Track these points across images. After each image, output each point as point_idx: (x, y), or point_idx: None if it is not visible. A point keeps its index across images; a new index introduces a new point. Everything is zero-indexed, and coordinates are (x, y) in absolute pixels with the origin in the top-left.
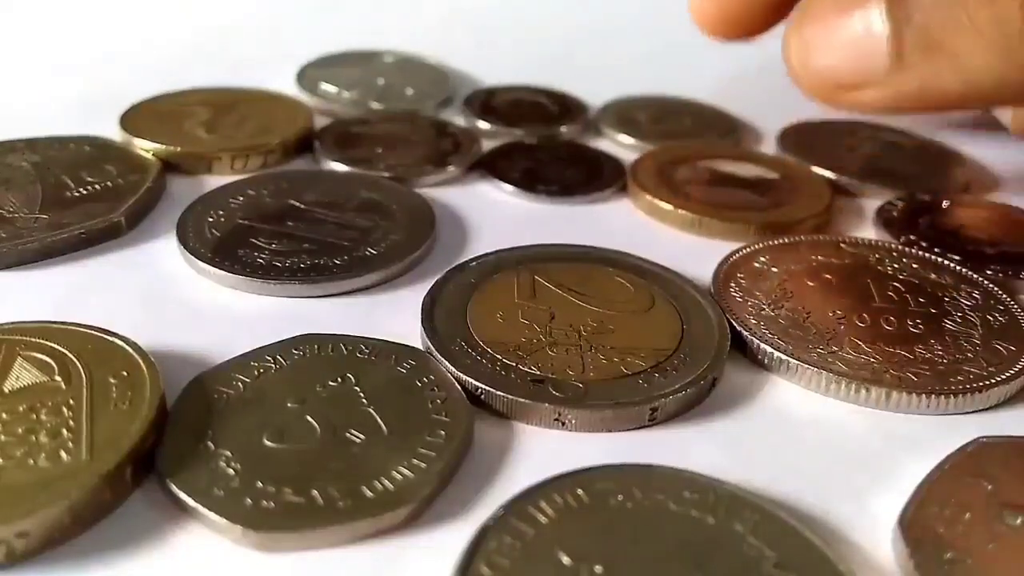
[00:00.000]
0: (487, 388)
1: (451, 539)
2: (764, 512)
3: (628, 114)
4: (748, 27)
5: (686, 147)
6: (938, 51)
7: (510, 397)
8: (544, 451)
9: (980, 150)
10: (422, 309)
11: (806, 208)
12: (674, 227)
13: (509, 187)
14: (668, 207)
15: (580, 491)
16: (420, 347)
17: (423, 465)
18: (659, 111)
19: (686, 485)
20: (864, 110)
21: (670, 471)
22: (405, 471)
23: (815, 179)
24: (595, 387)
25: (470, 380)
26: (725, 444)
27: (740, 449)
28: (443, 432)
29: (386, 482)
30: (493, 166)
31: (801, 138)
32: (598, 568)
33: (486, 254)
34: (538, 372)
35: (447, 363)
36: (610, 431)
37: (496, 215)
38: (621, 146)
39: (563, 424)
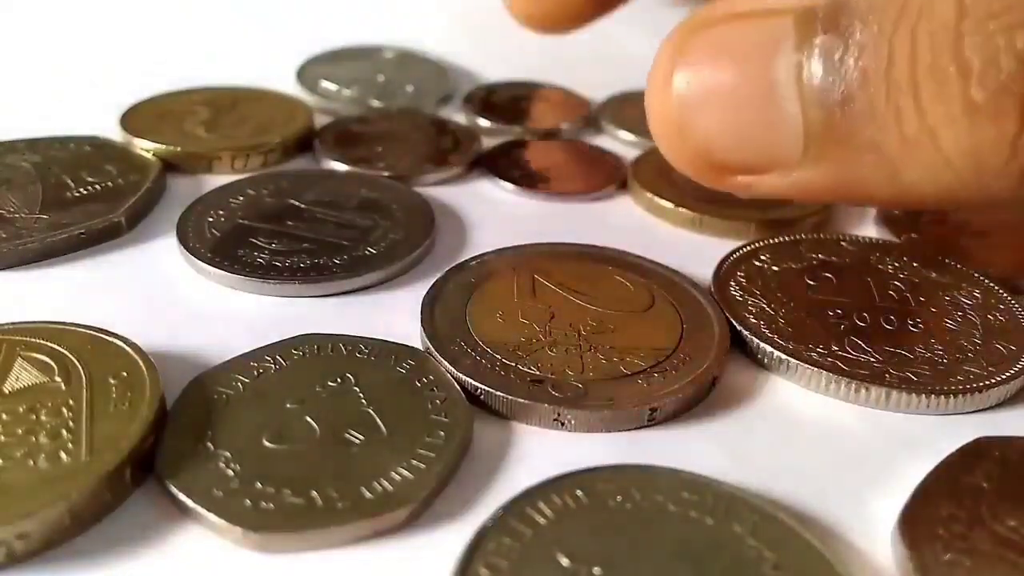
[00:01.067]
0: (486, 388)
1: (450, 540)
2: (763, 513)
3: (628, 110)
4: (565, 23)
5: None
6: (872, 151)
7: (509, 397)
8: (543, 451)
9: None
10: (422, 309)
11: (806, 206)
12: (675, 225)
13: (509, 185)
14: (668, 205)
15: (579, 492)
16: (420, 347)
17: (422, 466)
18: None
19: (685, 486)
20: (749, 196)
21: (669, 472)
22: (404, 472)
23: None
24: (594, 387)
25: (469, 380)
26: (725, 444)
27: (739, 449)
28: (442, 433)
29: (385, 483)
30: (494, 164)
31: None
32: (597, 570)
33: (485, 253)
34: (537, 372)
35: (446, 363)
36: (609, 431)
37: (496, 214)
38: (621, 143)
39: (562, 424)
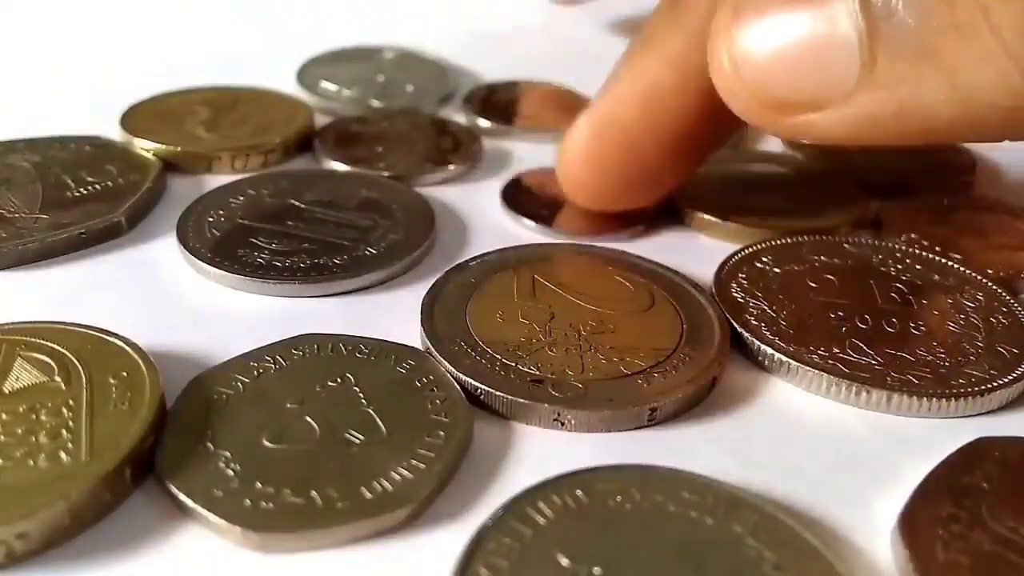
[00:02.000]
0: (486, 388)
1: (450, 540)
2: (763, 513)
3: None
4: (629, 202)
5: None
6: (928, 60)
7: (509, 397)
8: (543, 451)
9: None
10: (422, 309)
11: (836, 215)
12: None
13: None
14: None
15: (579, 492)
16: (420, 347)
17: (422, 466)
18: None
19: (685, 486)
20: (811, 139)
21: (669, 472)
22: (404, 472)
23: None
24: (594, 387)
25: (469, 380)
26: (725, 445)
27: (739, 450)
28: (442, 433)
29: (385, 483)
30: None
31: None
32: (596, 570)
33: (486, 253)
34: (537, 372)
35: (447, 363)
36: (609, 431)
37: (496, 214)
38: None
39: (562, 424)
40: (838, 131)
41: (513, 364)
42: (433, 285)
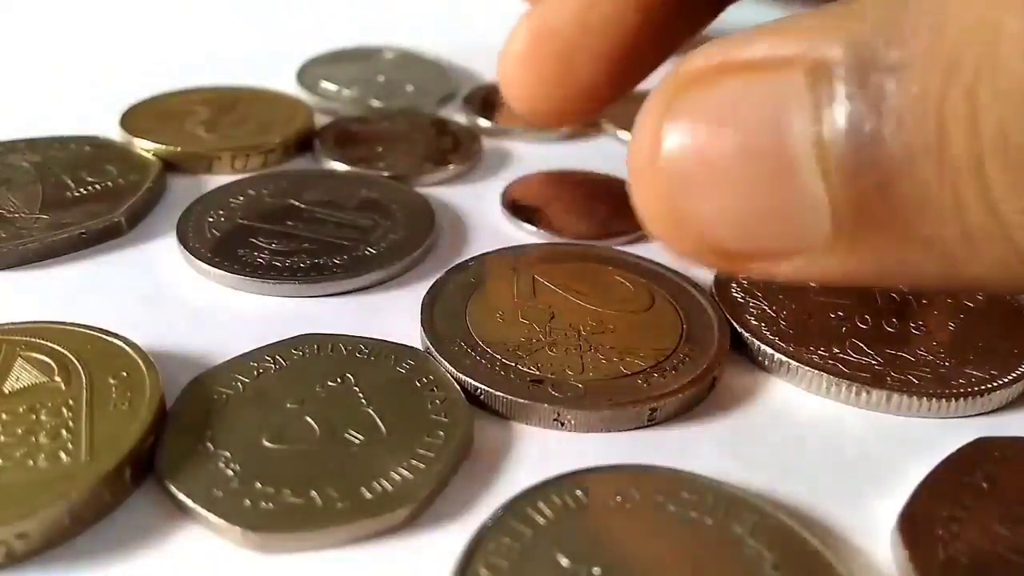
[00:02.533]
0: (486, 388)
1: (450, 540)
2: (763, 513)
3: (631, 111)
4: (577, 116)
5: None
6: (917, 243)
7: (509, 397)
8: (543, 451)
9: None
10: (421, 309)
11: None
12: None
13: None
14: None
15: (579, 492)
16: (420, 347)
17: (422, 466)
18: None
19: (685, 486)
20: (780, 280)
21: (669, 472)
22: (404, 472)
23: None
24: (594, 387)
25: (469, 380)
26: (724, 445)
27: (739, 450)
28: (442, 433)
29: (385, 483)
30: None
31: None
32: (596, 570)
33: (485, 253)
34: (537, 372)
35: (446, 363)
36: (609, 431)
37: (496, 214)
38: (622, 143)
39: (562, 424)
40: (805, 279)
41: (513, 364)
42: (433, 285)
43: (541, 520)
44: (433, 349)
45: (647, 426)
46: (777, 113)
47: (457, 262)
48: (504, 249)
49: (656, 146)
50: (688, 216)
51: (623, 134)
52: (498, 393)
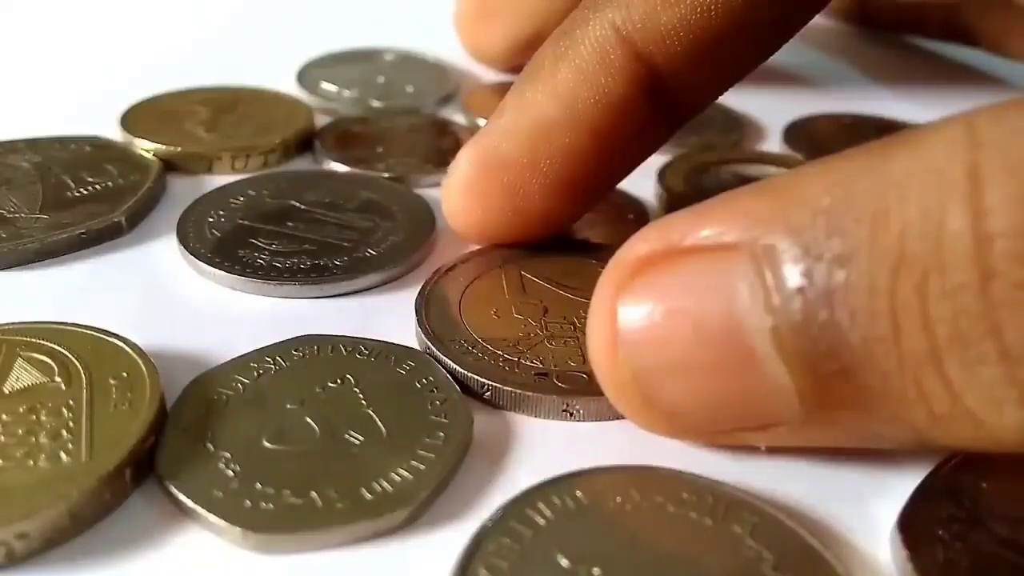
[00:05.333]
0: (494, 384)
1: (450, 541)
2: (763, 514)
3: None
4: (528, 238)
5: (711, 153)
6: (887, 422)
7: (518, 391)
8: (543, 451)
9: None
10: (416, 311)
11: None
12: None
13: None
14: None
15: (579, 493)
16: (419, 348)
17: (422, 467)
18: None
19: (685, 487)
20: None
21: (669, 472)
22: (404, 473)
23: None
24: None
25: (476, 378)
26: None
27: (739, 450)
28: (442, 434)
29: (385, 484)
30: None
31: (808, 134)
32: (596, 570)
33: (470, 252)
34: (541, 365)
35: (450, 362)
36: (618, 419)
37: None
38: None
39: (571, 415)
40: (783, 444)
41: (515, 359)
42: (423, 287)
43: (541, 521)
44: (434, 348)
45: None
46: (729, 301)
47: (444, 264)
48: (486, 248)
49: (613, 335)
50: (654, 402)
51: None
52: (506, 388)
